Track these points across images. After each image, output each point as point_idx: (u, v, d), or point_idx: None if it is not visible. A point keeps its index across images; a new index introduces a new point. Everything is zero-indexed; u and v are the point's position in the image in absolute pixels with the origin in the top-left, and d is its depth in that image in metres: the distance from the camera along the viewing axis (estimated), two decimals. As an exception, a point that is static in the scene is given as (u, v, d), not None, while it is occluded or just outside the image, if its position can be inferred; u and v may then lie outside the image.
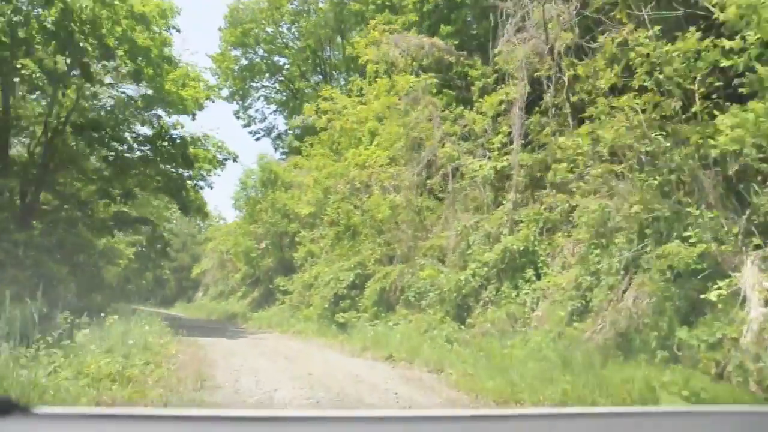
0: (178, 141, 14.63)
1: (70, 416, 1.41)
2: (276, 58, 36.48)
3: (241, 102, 37.55)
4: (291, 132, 33.41)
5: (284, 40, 36.32)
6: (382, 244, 15.56)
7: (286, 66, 36.99)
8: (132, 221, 15.53)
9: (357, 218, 17.15)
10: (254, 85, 37.87)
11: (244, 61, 36.04)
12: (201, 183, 17.64)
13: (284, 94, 38.00)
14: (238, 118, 37.98)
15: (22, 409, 1.28)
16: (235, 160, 16.78)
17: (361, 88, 20.61)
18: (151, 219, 17.57)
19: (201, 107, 15.87)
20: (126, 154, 14.14)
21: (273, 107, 38.43)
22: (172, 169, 15.52)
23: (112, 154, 13.67)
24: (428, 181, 15.29)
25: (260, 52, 35.99)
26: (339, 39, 32.53)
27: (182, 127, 15.73)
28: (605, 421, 1.70)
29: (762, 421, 1.72)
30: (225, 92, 36.75)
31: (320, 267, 18.06)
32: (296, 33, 36.16)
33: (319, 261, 19.08)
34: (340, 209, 17.42)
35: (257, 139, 38.73)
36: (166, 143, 14.23)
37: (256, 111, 38.37)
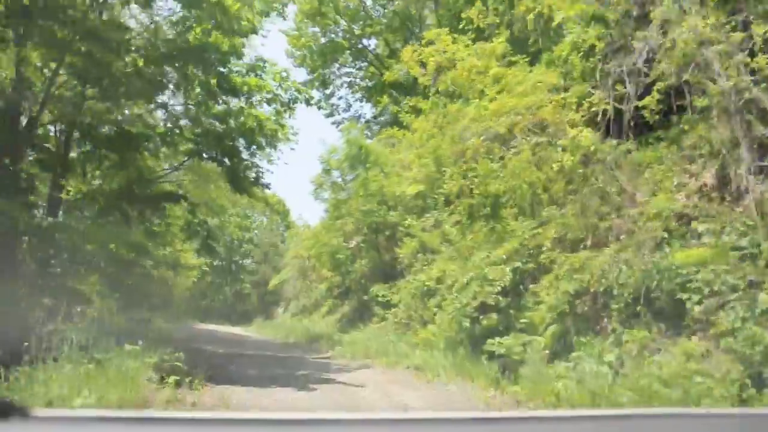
0: (212, 56, 8.97)
1: (69, 419, 1.36)
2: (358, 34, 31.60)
3: (322, 89, 33.07)
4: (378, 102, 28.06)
5: (367, 12, 31.44)
6: (560, 218, 9.16)
7: (371, 45, 32.12)
8: (152, 199, 9.82)
9: (501, 184, 10.88)
10: (336, 71, 33.59)
11: (323, 41, 31.45)
12: (261, 142, 11.77)
13: (370, 81, 33.13)
14: (319, 108, 33.37)
15: (21, 411, 1.21)
16: (308, 104, 10.94)
17: (477, 26, 15.02)
18: (184, 195, 11.74)
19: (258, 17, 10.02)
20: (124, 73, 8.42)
21: (358, 95, 33.67)
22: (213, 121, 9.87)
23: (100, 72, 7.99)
24: (639, 105, 8.73)
25: (341, 27, 31.27)
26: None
27: (222, 43, 9.96)
28: (606, 423, 1.65)
29: (762, 424, 1.68)
30: (302, 76, 32.44)
31: (443, 264, 11.87)
32: (380, 6, 31.47)
33: (437, 257, 12.89)
34: (475, 172, 11.19)
35: (341, 130, 33.94)
36: (193, 61, 8.58)
37: (340, 99, 33.76)
